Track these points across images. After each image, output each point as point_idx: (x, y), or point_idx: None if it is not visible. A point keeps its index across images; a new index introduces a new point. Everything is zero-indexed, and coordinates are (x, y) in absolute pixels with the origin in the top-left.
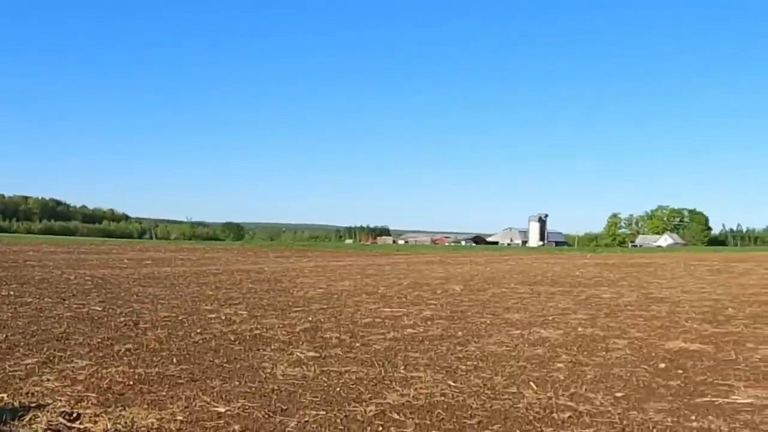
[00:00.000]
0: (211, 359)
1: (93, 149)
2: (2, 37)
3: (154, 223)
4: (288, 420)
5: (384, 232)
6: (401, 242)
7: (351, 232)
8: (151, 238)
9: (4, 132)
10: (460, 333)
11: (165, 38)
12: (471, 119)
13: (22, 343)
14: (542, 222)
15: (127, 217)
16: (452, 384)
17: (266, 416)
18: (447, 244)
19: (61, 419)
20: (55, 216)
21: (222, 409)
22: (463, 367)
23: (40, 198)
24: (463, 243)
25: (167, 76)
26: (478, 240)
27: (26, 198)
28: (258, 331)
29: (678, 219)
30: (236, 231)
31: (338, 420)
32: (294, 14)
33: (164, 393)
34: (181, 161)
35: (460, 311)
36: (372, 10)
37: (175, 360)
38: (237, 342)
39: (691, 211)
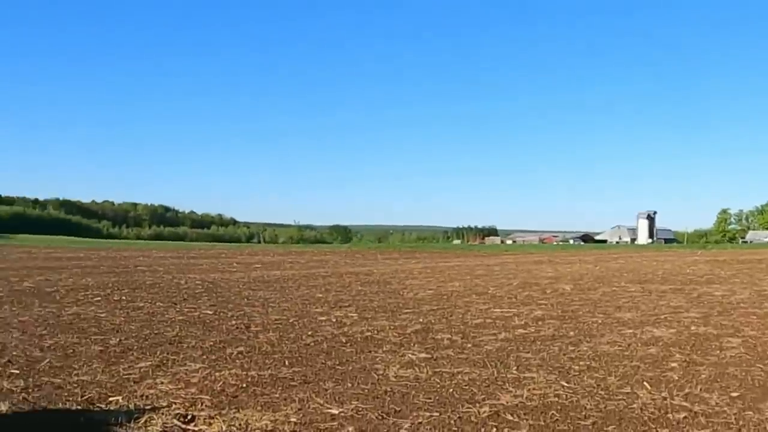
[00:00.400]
0: (323, 361)
1: (201, 155)
2: (122, 42)
3: (262, 227)
4: (401, 422)
5: (491, 232)
6: (509, 242)
7: (458, 232)
8: (259, 242)
9: (114, 140)
10: (571, 333)
11: (267, 40)
12: (578, 117)
13: (135, 347)
14: (651, 219)
15: (235, 222)
16: (565, 384)
17: (380, 418)
18: (555, 243)
19: (176, 422)
20: (164, 222)
21: (335, 411)
22: (576, 367)
23: (149, 204)
24: (572, 242)
25: (272, 79)
26: (587, 238)
27: (135, 205)
28: (369, 333)
29: None
30: (344, 234)
31: (452, 421)
32: (411, 15)
33: (277, 395)
34: (288, 165)
35: (570, 311)
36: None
37: (287, 362)
38: (348, 344)
39: None
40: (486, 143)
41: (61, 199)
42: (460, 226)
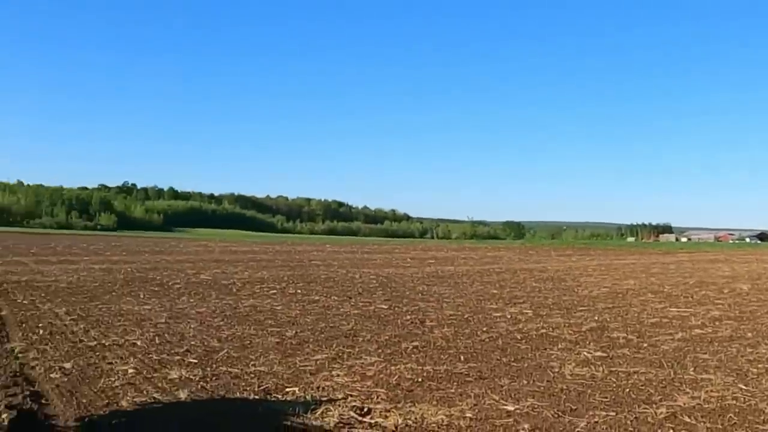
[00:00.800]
0: (499, 357)
1: (374, 151)
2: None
3: (435, 222)
4: (577, 420)
5: (666, 229)
6: (683, 239)
7: (633, 229)
8: (432, 237)
9: (288, 136)
10: (749, 334)
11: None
12: (758, 113)
13: (311, 340)
14: None
15: (408, 218)
16: (743, 387)
17: (555, 416)
18: (731, 241)
19: (352, 413)
20: (337, 217)
21: (511, 408)
22: (754, 370)
23: (323, 200)
24: (748, 240)
25: (456, 76)
26: (764, 237)
27: (309, 200)
28: (544, 330)
29: None
30: (517, 230)
31: (628, 421)
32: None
33: (453, 390)
34: (460, 161)
35: (748, 311)
36: None
37: (462, 358)
38: (523, 341)
39: None
40: (663, 139)
41: (236, 194)
42: (634, 223)
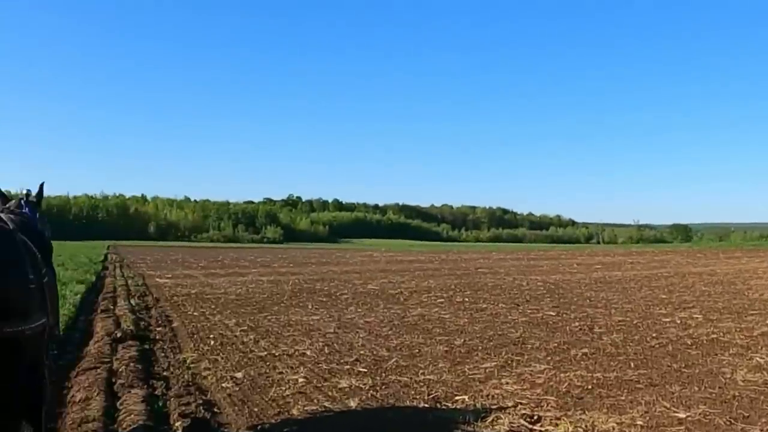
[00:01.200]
0: (669, 364)
1: (538, 157)
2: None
3: (600, 227)
4: (750, 428)
5: None
6: None
7: None
8: (598, 242)
9: (450, 143)
10: None
11: (594, 39)
12: None
13: (479, 347)
14: None
15: (573, 223)
16: None
17: (728, 423)
18: None
19: (522, 422)
20: (502, 224)
21: (682, 415)
22: None
23: (487, 207)
24: None
25: (601, 77)
26: None
27: (474, 208)
28: (714, 336)
29: None
30: (684, 232)
31: None
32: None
33: (623, 397)
34: (625, 164)
35: None
36: None
37: (632, 364)
38: (694, 346)
39: None
40: None
41: (400, 204)
42: None
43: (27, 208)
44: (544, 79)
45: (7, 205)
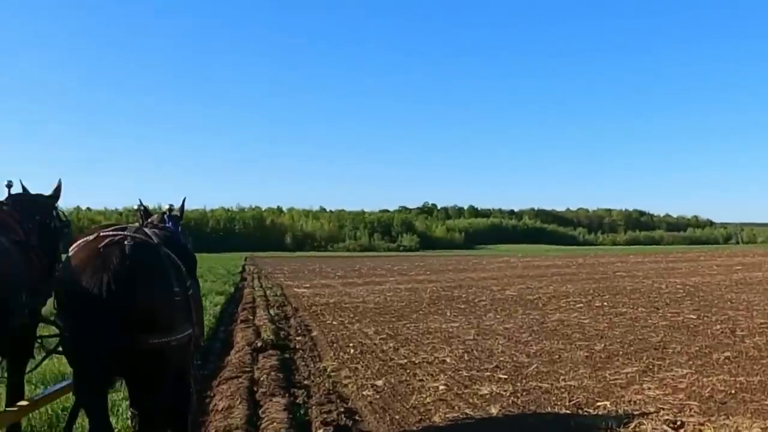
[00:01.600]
0: None
1: (671, 156)
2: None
3: (739, 227)
4: None
5: None
6: None
7: None
8: (737, 242)
9: (581, 146)
10: None
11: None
12: None
13: (620, 352)
14: None
15: (711, 223)
16: None
17: None
18: None
19: (665, 427)
20: (639, 226)
21: None
22: None
23: (623, 210)
24: None
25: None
26: None
27: (610, 211)
28: None
29: None
30: None
31: None
32: None
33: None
34: (765, 159)
35: None
36: None
37: None
38: None
39: None
40: None
41: (536, 209)
42: None
43: (170, 223)
44: (674, 75)
45: (150, 220)
